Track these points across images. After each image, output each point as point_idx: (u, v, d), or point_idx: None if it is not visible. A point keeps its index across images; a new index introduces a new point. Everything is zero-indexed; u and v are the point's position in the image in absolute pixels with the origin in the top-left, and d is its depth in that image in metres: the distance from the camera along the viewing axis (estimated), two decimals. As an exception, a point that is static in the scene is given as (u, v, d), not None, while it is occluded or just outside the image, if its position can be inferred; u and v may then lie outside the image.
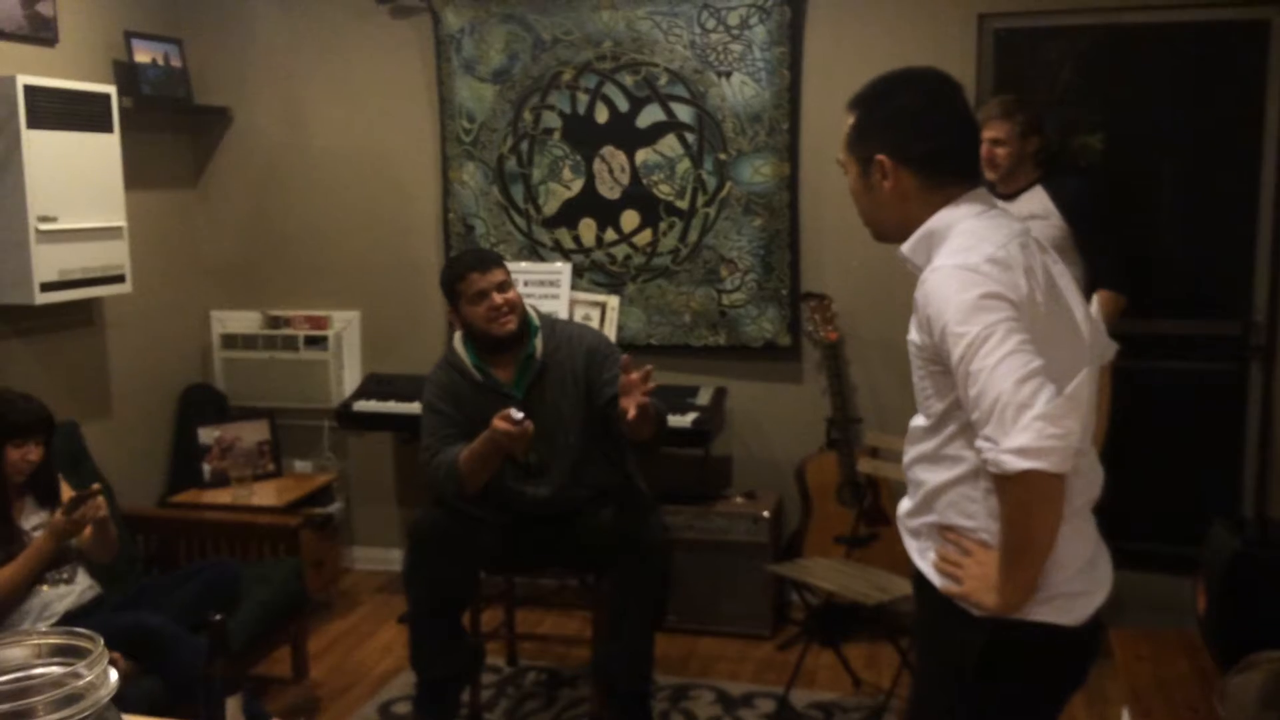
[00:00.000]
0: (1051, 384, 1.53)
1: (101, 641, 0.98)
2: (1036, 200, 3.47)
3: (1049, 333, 1.61)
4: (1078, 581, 1.69)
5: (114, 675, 0.96)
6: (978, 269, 1.58)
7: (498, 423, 2.87)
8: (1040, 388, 1.51)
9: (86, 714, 0.92)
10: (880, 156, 1.72)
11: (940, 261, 1.65)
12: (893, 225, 1.78)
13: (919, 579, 1.83)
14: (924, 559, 1.79)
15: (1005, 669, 1.71)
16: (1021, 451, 1.50)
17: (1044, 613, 1.67)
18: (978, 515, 1.69)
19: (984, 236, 1.65)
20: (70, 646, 0.98)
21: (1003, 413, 1.51)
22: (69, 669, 0.95)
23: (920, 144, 1.71)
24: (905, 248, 1.76)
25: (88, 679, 0.93)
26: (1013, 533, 1.61)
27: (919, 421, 1.78)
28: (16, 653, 0.99)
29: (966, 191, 1.73)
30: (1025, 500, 1.56)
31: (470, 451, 3.00)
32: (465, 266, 3.10)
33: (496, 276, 3.08)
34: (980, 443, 1.56)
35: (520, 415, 2.86)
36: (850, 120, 1.78)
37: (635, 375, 2.82)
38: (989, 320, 1.55)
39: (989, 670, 1.70)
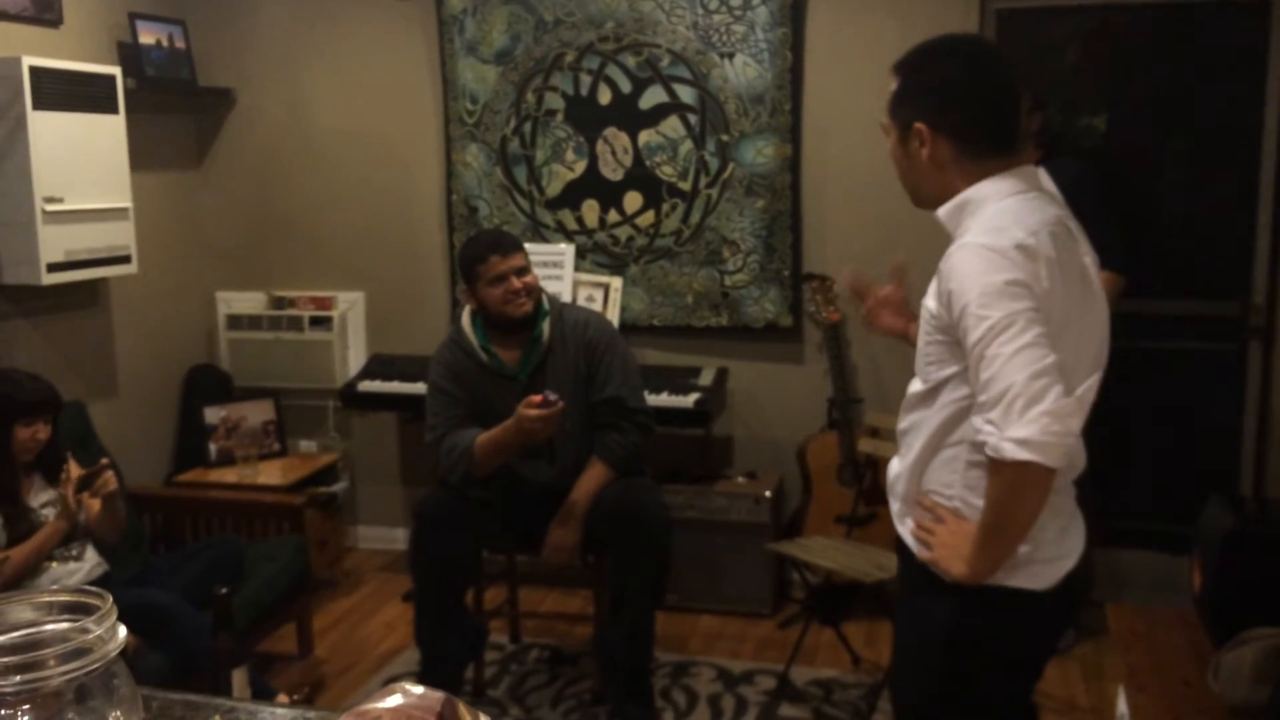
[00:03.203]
0: (1061, 382, 1.55)
1: (110, 598, 1.00)
2: (1037, 182, 3.47)
3: (1066, 326, 1.62)
4: (1050, 548, 1.73)
5: (122, 631, 0.98)
6: (1005, 253, 1.58)
7: (525, 410, 2.89)
8: (1051, 385, 1.53)
9: (95, 667, 0.94)
10: (919, 124, 1.72)
11: (970, 238, 1.64)
12: (929, 193, 1.77)
13: (900, 544, 1.87)
14: (904, 524, 1.84)
15: (979, 633, 1.75)
16: (1023, 443, 1.53)
17: (1016, 579, 1.71)
18: (954, 485, 1.74)
19: (1017, 218, 1.64)
20: (80, 604, 1.01)
21: (1012, 403, 1.53)
22: (77, 624, 0.97)
23: (958, 113, 1.71)
24: (941, 213, 1.75)
25: (96, 633, 0.95)
26: (996, 514, 1.64)
27: (915, 386, 1.81)
28: (27, 611, 1.02)
29: (1004, 165, 1.71)
30: (1015, 486, 1.59)
31: (489, 438, 3.02)
32: (487, 249, 3.10)
33: (517, 261, 3.10)
34: (982, 425, 1.58)
35: (554, 396, 2.88)
36: (893, 85, 1.78)
37: None
38: (1013, 308, 1.56)
39: (963, 635, 1.75)
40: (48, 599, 1.02)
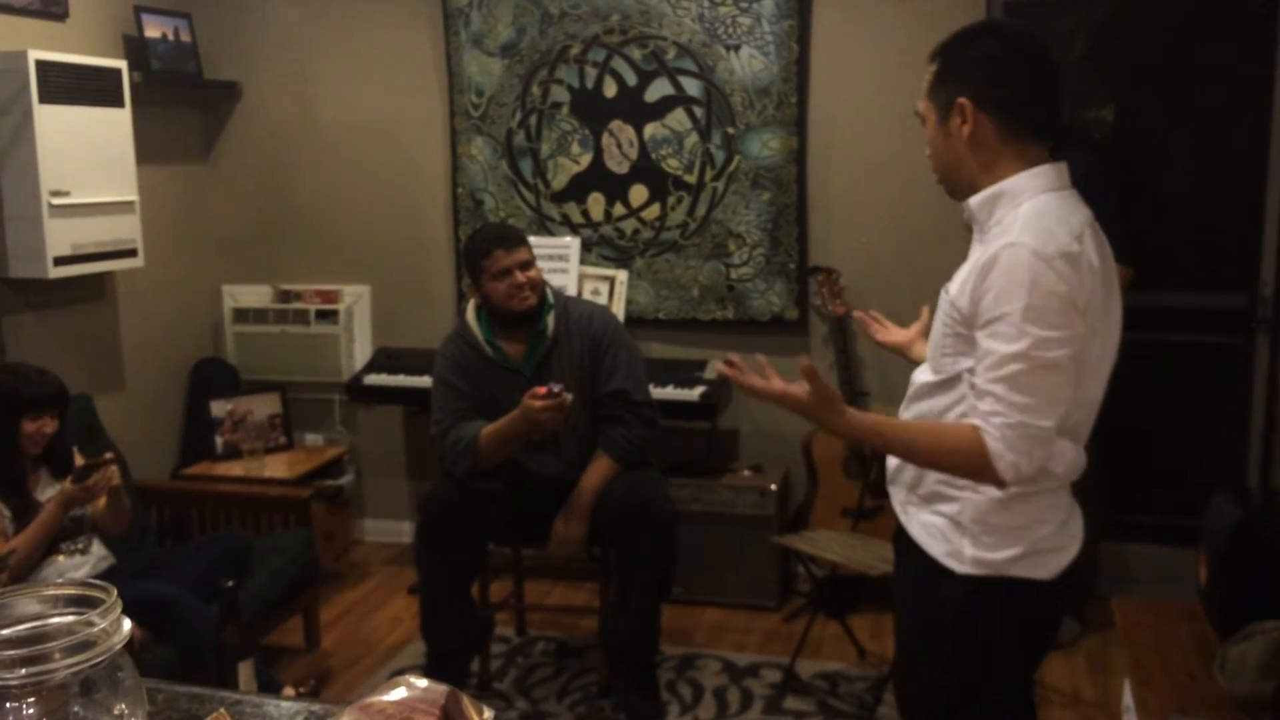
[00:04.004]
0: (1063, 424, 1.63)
1: (115, 591, 1.00)
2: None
3: (1094, 335, 1.64)
4: (1055, 538, 1.76)
5: (127, 624, 0.98)
6: (1051, 263, 1.58)
7: (530, 401, 2.89)
8: (1055, 435, 1.61)
9: (100, 660, 0.94)
10: (961, 100, 1.71)
11: (1016, 238, 1.61)
12: (965, 178, 1.75)
13: (902, 534, 1.86)
14: (906, 514, 1.84)
15: (983, 623, 1.76)
16: (1014, 469, 1.60)
17: (1022, 568, 1.73)
18: None
19: (1061, 219, 1.63)
20: (84, 598, 1.01)
21: (1027, 433, 1.58)
22: (82, 617, 0.97)
23: (1000, 90, 1.70)
24: (974, 201, 1.74)
25: (101, 626, 0.95)
26: (930, 455, 1.70)
27: (926, 377, 1.80)
28: (33, 604, 1.02)
29: (1041, 153, 1.72)
30: (968, 464, 1.64)
31: (494, 430, 3.02)
32: (491, 243, 3.10)
33: (521, 255, 3.10)
34: (989, 415, 1.60)
35: (559, 387, 2.88)
36: (932, 68, 1.78)
37: None
38: (1049, 336, 1.57)
39: (969, 624, 1.76)
40: (53, 592, 1.02)
